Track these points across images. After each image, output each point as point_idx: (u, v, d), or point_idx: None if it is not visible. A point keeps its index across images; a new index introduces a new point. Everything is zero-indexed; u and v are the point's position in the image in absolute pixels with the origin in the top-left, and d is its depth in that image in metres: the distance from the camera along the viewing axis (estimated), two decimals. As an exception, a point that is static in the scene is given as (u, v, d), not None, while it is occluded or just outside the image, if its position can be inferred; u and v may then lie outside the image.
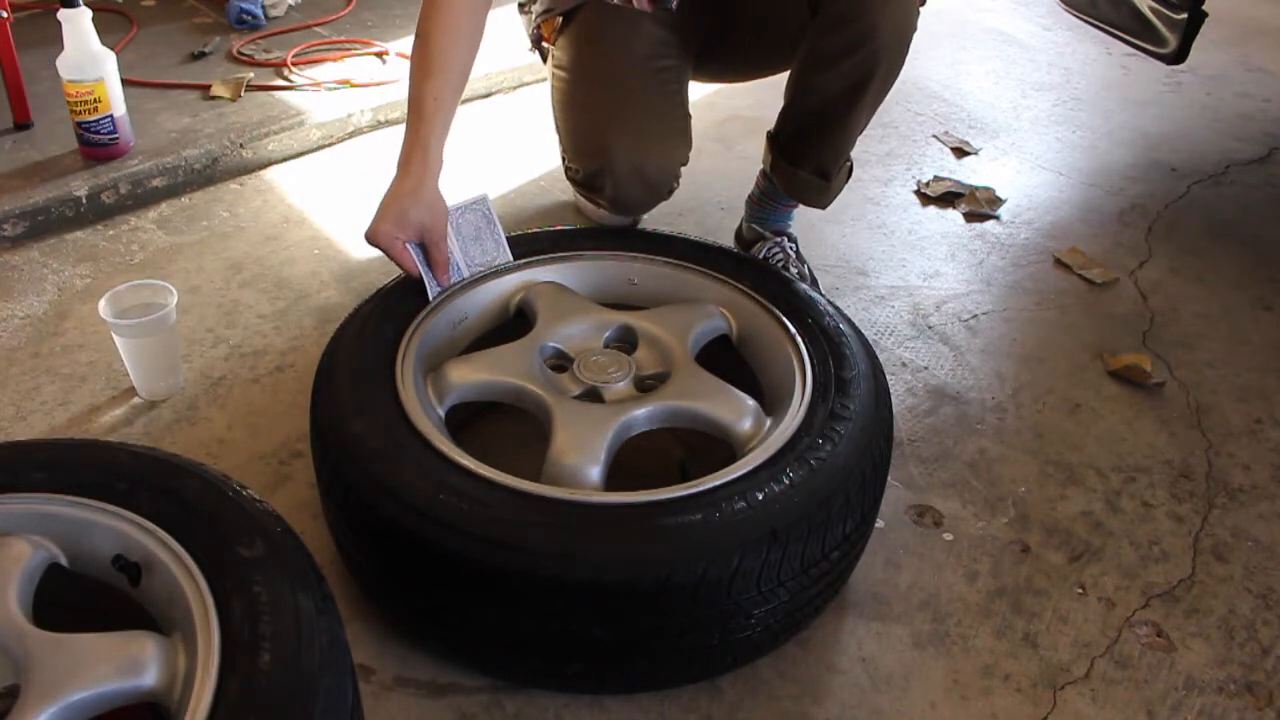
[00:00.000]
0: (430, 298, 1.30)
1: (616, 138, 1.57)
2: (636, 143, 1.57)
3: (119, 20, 2.57)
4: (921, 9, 1.46)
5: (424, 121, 1.27)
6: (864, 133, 1.60)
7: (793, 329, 1.29)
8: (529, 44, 1.78)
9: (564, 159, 1.76)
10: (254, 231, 1.91)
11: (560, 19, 1.66)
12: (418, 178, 1.26)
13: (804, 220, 2.04)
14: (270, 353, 1.60)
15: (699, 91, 1.89)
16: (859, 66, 1.44)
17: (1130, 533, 1.37)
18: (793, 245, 1.72)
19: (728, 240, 1.84)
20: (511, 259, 1.38)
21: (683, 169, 1.66)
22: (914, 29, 1.45)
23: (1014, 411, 1.57)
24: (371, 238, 1.27)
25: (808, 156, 1.61)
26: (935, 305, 1.81)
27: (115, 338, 1.43)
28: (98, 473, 0.94)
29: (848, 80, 1.46)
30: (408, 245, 1.28)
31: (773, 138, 1.66)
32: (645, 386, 1.26)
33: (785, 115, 1.61)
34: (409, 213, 1.25)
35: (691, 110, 1.70)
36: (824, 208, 1.70)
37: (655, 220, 1.98)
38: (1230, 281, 1.94)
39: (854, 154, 2.30)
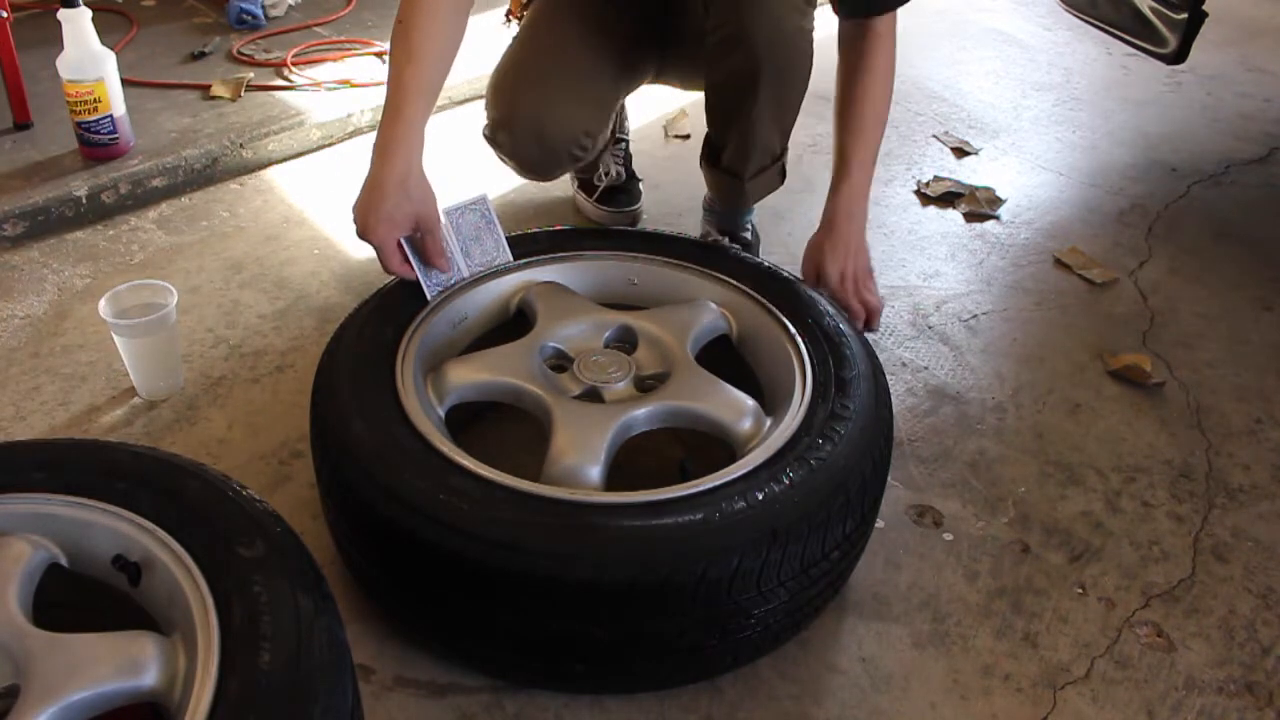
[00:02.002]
0: (428, 298, 1.30)
1: (524, 89, 1.54)
2: (541, 96, 1.53)
3: (119, 20, 2.57)
4: (811, 12, 1.46)
5: (407, 104, 1.22)
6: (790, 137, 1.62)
7: (793, 329, 1.29)
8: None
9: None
10: (254, 231, 1.91)
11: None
12: (403, 167, 1.21)
13: (805, 220, 2.04)
14: (270, 353, 1.60)
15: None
16: (739, 69, 1.47)
17: (1130, 533, 1.37)
18: (733, 247, 1.71)
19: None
20: (511, 259, 1.38)
21: (590, 143, 1.60)
22: (798, 29, 1.45)
23: (1014, 411, 1.57)
24: (364, 235, 1.24)
25: (720, 156, 1.64)
26: (935, 305, 1.81)
27: (115, 338, 1.43)
28: (98, 473, 0.94)
29: (734, 82, 1.49)
30: (401, 243, 1.27)
31: (705, 139, 1.68)
32: (645, 386, 1.26)
33: (706, 117, 1.64)
34: (400, 207, 1.22)
35: (688, 112, 1.69)
36: (743, 206, 1.74)
37: (655, 220, 1.98)
38: (1230, 281, 1.94)
39: (854, 154, 2.31)
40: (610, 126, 1.67)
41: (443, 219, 1.31)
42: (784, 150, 1.66)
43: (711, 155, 1.67)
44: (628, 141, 1.98)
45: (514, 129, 1.55)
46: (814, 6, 1.47)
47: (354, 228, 1.25)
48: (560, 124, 1.53)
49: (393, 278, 1.34)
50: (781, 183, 1.69)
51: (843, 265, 1.46)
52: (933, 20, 3.13)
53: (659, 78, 1.76)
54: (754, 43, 1.42)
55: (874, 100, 1.48)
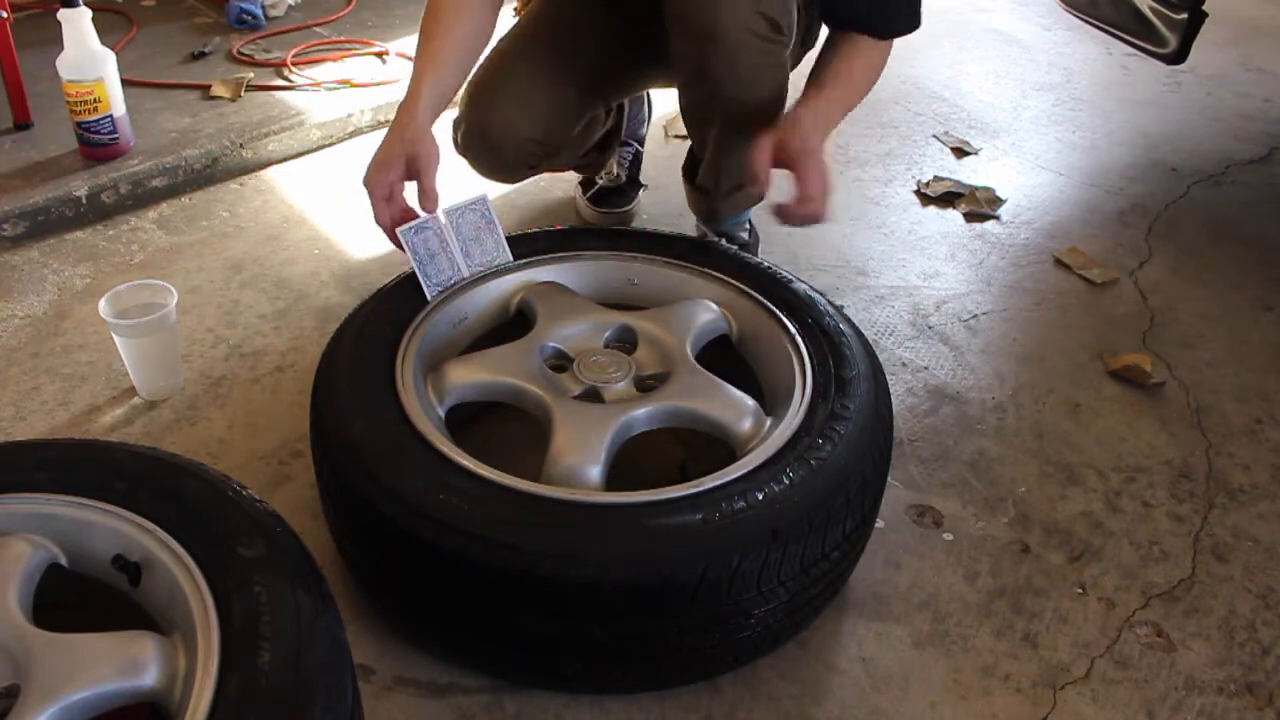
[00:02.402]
0: (428, 297, 1.30)
1: (481, 93, 1.55)
2: (493, 102, 1.54)
3: (119, 20, 2.57)
4: (782, 40, 1.39)
5: (416, 76, 1.32)
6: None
7: (793, 329, 1.29)
8: None
9: None
10: (254, 231, 1.91)
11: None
12: (403, 121, 1.29)
13: (804, 220, 2.04)
14: (270, 353, 1.60)
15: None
16: (704, 103, 1.45)
17: (1130, 533, 1.37)
18: (732, 247, 1.71)
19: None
20: (511, 259, 1.38)
21: (544, 149, 1.59)
22: (762, 67, 1.39)
23: (1014, 411, 1.57)
24: (364, 181, 1.29)
25: (695, 172, 1.63)
26: (935, 305, 1.81)
27: (115, 338, 1.43)
28: (98, 473, 0.94)
29: (701, 114, 1.49)
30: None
31: (689, 149, 1.67)
32: (645, 386, 1.26)
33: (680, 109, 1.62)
34: (392, 148, 1.28)
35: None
36: (715, 223, 1.72)
37: (655, 220, 1.98)
38: (1230, 281, 1.94)
39: (854, 153, 2.31)
40: (575, 131, 1.63)
41: (443, 219, 1.32)
42: None
43: (690, 169, 1.66)
44: (637, 147, 1.98)
45: (465, 131, 1.57)
46: (785, 35, 1.39)
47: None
48: (507, 131, 1.52)
49: (393, 278, 1.34)
50: (760, 199, 1.63)
51: (803, 136, 1.34)
52: (933, 20, 3.11)
53: (658, 83, 1.75)
54: (705, 27, 1.35)
55: (856, 70, 1.43)
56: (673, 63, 1.46)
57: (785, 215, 1.35)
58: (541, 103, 1.55)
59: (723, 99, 1.42)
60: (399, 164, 1.28)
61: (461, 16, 1.36)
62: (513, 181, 1.71)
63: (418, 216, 1.30)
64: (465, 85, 1.56)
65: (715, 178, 1.58)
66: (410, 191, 1.31)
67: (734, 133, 1.47)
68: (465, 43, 1.38)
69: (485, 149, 1.55)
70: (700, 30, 1.35)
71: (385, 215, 1.30)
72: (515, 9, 1.77)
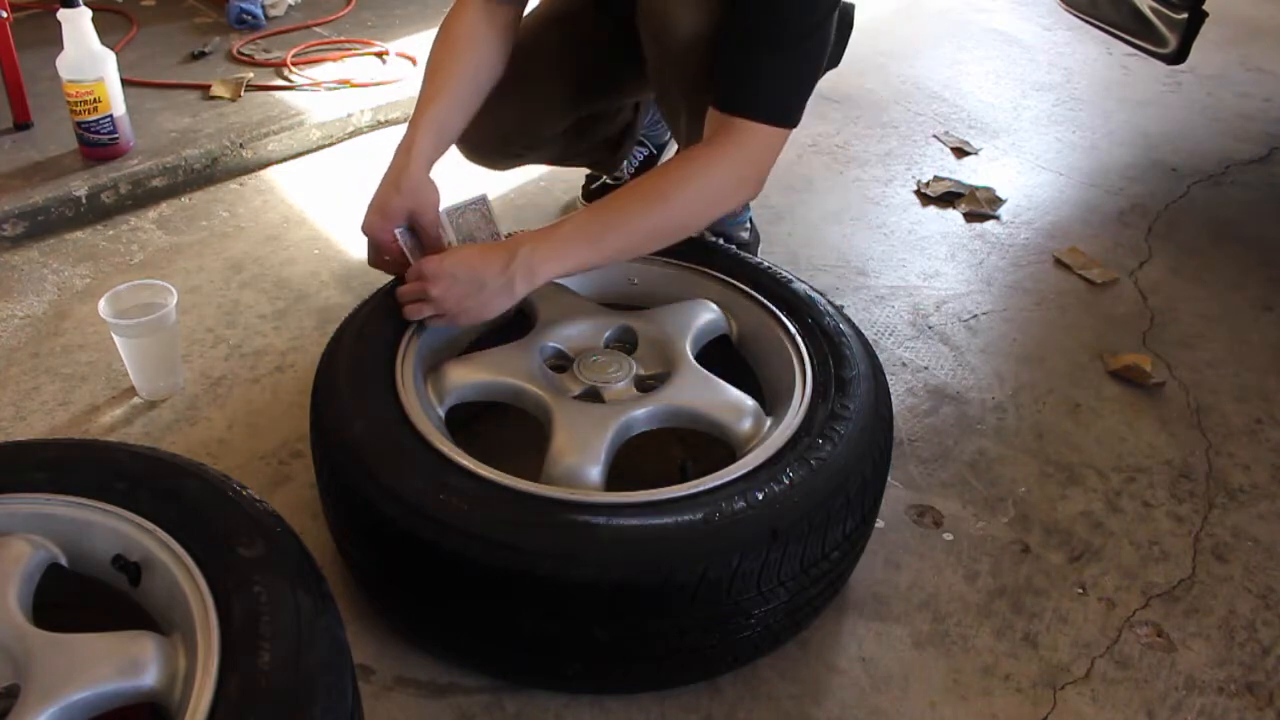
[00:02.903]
0: None
1: None
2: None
3: (119, 20, 2.57)
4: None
5: (418, 110, 1.31)
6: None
7: (793, 329, 1.29)
8: None
9: None
10: (254, 231, 1.91)
11: None
12: (400, 166, 1.28)
13: (805, 220, 2.04)
14: (270, 353, 1.60)
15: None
16: (660, 91, 1.45)
17: (1130, 533, 1.37)
18: (731, 247, 1.71)
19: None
20: None
21: (527, 142, 1.59)
22: (702, 27, 1.27)
23: (1014, 411, 1.57)
24: (363, 229, 1.29)
25: None
26: (935, 305, 1.81)
27: (115, 338, 1.43)
28: (98, 473, 0.94)
29: (661, 100, 1.48)
30: (404, 245, 1.29)
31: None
32: (645, 386, 1.26)
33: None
34: (392, 200, 1.27)
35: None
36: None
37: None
38: (1230, 281, 1.94)
39: (854, 153, 2.32)
40: (560, 127, 1.62)
41: (442, 218, 1.32)
42: None
43: None
44: (651, 150, 1.98)
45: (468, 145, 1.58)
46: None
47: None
48: (485, 132, 1.49)
49: (393, 278, 1.34)
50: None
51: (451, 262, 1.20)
52: (933, 20, 3.13)
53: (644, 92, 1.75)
54: (662, 37, 1.33)
55: (659, 184, 1.22)
56: (641, 40, 1.43)
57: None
58: (522, 97, 1.53)
59: (672, 91, 1.40)
60: (399, 217, 1.28)
61: (475, 50, 1.34)
62: (497, 169, 1.71)
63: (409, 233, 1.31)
64: None
65: None
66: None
67: (695, 125, 1.39)
68: (474, 80, 1.35)
69: (465, 142, 1.55)
70: None
71: (377, 257, 1.31)
72: None
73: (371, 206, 1.28)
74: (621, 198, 1.22)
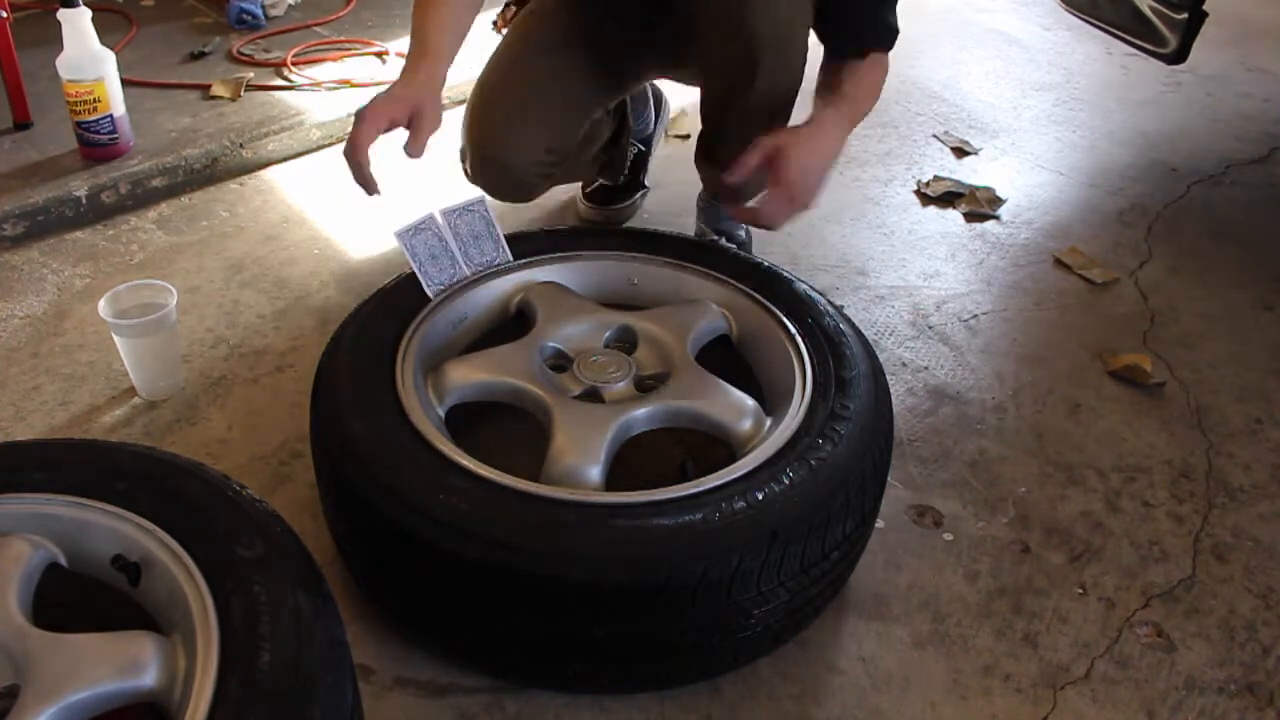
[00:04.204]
0: (430, 296, 1.30)
1: (482, 120, 1.55)
2: (496, 129, 1.54)
3: (119, 20, 2.57)
4: (810, 10, 1.44)
5: (426, 33, 1.32)
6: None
7: (793, 329, 1.29)
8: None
9: None
10: (254, 231, 1.91)
11: (515, 7, 1.68)
12: (419, 67, 1.29)
13: (805, 220, 2.04)
14: (270, 353, 1.60)
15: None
16: (738, 59, 1.44)
17: (1130, 533, 1.37)
18: (731, 247, 1.71)
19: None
20: (511, 259, 1.38)
21: (554, 158, 1.59)
22: (798, 23, 1.44)
23: (1014, 411, 1.57)
24: (362, 109, 1.27)
25: (716, 150, 1.60)
26: (935, 305, 1.81)
27: (115, 338, 1.43)
28: (98, 473, 0.94)
29: (733, 72, 1.47)
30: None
31: (700, 135, 1.66)
32: (645, 386, 1.26)
33: (701, 111, 1.62)
34: (404, 91, 1.28)
35: (688, 111, 1.68)
36: (742, 201, 1.68)
37: (655, 220, 1.98)
38: (1230, 281, 1.94)
39: (854, 153, 2.31)
40: (579, 136, 1.62)
41: (440, 220, 1.32)
42: None
43: (707, 151, 1.64)
44: (640, 148, 1.98)
45: (475, 160, 1.57)
46: (813, 7, 1.44)
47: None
48: (516, 152, 1.52)
49: (393, 278, 1.34)
50: (812, 203, 1.62)
51: (802, 153, 1.33)
52: (933, 20, 3.13)
53: (663, 74, 1.75)
54: (755, 32, 1.40)
55: (868, 89, 1.48)
56: (708, 25, 1.45)
57: (734, 209, 1.39)
58: (543, 117, 1.54)
59: (759, 54, 1.42)
60: (404, 109, 1.27)
61: None
62: (530, 199, 1.70)
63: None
64: (465, 114, 1.58)
65: (741, 151, 1.57)
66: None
67: (764, 97, 1.48)
68: (467, 9, 1.38)
69: (498, 174, 1.54)
70: None
71: (365, 142, 1.27)
72: (496, 25, 1.75)
73: (381, 95, 1.28)
74: (848, 93, 1.45)
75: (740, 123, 1.53)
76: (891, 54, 1.50)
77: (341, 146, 1.29)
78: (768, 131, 1.44)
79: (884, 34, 1.48)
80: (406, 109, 1.27)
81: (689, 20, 1.50)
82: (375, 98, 1.28)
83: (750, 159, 1.33)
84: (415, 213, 1.32)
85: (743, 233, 1.79)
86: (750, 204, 1.37)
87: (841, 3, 1.46)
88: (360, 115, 1.27)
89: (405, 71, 1.31)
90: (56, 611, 0.86)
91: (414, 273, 1.30)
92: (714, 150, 1.63)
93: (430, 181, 2.06)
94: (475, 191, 1.37)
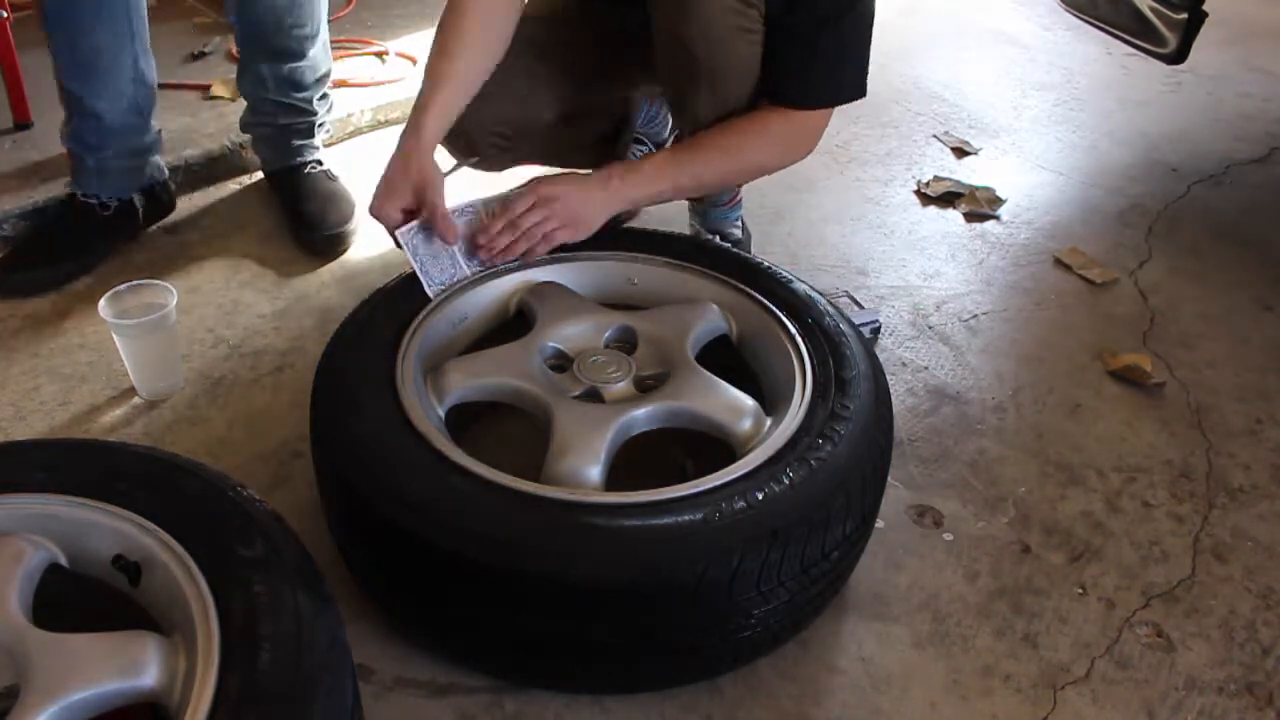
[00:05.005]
0: (430, 296, 1.30)
1: None
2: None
3: (119, 20, 2.57)
4: (752, 12, 1.38)
5: (424, 97, 1.32)
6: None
7: (793, 329, 1.29)
8: None
9: None
10: (254, 231, 1.91)
11: None
12: (408, 150, 1.30)
13: (805, 220, 2.04)
14: (270, 353, 1.60)
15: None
16: (679, 71, 1.43)
17: (1130, 533, 1.37)
18: (727, 246, 1.71)
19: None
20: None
21: (506, 133, 1.57)
22: (733, 29, 1.37)
23: (1014, 411, 1.57)
24: (372, 212, 1.31)
25: None
26: (935, 305, 1.81)
27: (115, 338, 1.43)
28: (98, 473, 0.94)
29: (677, 83, 1.46)
30: (405, 245, 1.29)
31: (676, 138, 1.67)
32: (645, 386, 1.26)
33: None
34: (397, 182, 1.29)
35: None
36: (705, 203, 1.74)
37: (655, 220, 1.98)
38: (1230, 281, 1.94)
39: (854, 153, 2.32)
40: (545, 120, 1.60)
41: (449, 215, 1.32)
42: None
43: None
44: (650, 148, 1.98)
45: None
46: (754, 8, 1.37)
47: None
48: (473, 123, 1.48)
49: (393, 277, 1.34)
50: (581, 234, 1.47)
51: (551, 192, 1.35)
52: (933, 20, 3.13)
53: (648, 82, 1.75)
54: (687, 43, 1.38)
55: (736, 142, 1.42)
56: (655, 36, 1.44)
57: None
58: (504, 92, 1.51)
59: (695, 65, 1.40)
60: (407, 195, 1.30)
61: (484, 30, 1.36)
62: (491, 170, 1.69)
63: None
64: None
65: None
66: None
67: (711, 106, 1.45)
68: (481, 62, 1.38)
69: (454, 135, 1.51)
70: None
71: (390, 226, 1.31)
72: None
73: (379, 193, 1.30)
74: (700, 145, 1.42)
75: (694, 129, 1.50)
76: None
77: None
78: None
79: (795, 90, 1.40)
80: (409, 197, 1.30)
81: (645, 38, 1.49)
82: (378, 194, 1.30)
83: (516, 205, 1.35)
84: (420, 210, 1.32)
85: (738, 232, 1.79)
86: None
87: (767, 41, 1.39)
88: (379, 220, 1.31)
89: (401, 142, 1.31)
90: (57, 611, 0.86)
91: (415, 273, 1.30)
92: None
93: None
94: (481, 192, 1.37)
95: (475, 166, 1.62)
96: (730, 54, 1.39)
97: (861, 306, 1.75)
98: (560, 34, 1.56)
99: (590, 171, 1.41)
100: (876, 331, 1.71)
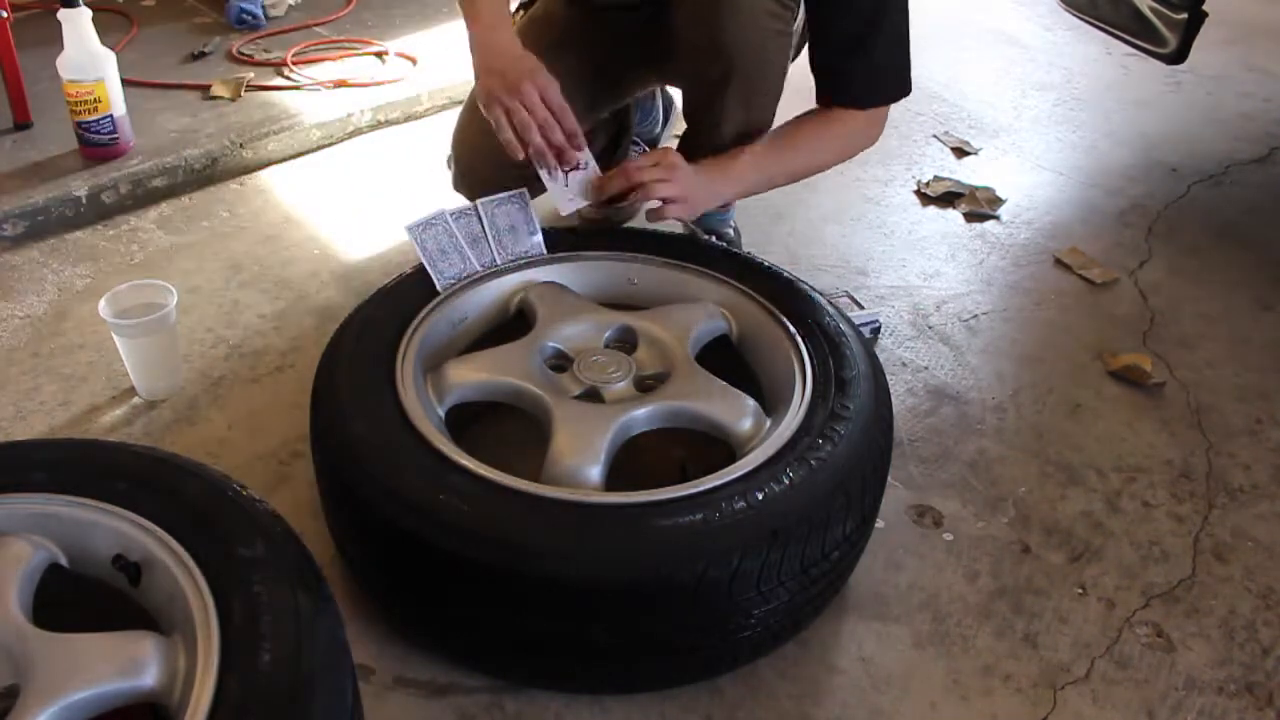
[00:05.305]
0: (438, 289, 1.31)
1: (469, 126, 1.57)
2: (479, 142, 1.53)
3: (119, 20, 2.57)
4: (788, 15, 1.45)
5: (489, 8, 1.34)
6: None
7: (793, 329, 1.29)
8: None
9: None
10: (254, 231, 1.91)
11: (522, 11, 1.70)
12: (506, 40, 1.33)
13: (805, 220, 2.04)
14: (270, 353, 1.60)
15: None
16: (708, 71, 1.46)
17: (1130, 533, 1.37)
18: (723, 245, 1.71)
19: (728, 240, 1.83)
20: (545, 252, 1.40)
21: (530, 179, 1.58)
22: (769, 32, 1.44)
23: (1014, 411, 1.57)
24: (489, 103, 1.31)
25: (692, 156, 1.58)
26: (935, 305, 1.81)
27: (115, 338, 1.43)
28: (98, 473, 0.94)
29: (704, 84, 1.49)
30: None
31: (682, 135, 1.67)
32: (645, 386, 1.26)
33: (683, 115, 1.64)
34: (516, 67, 1.30)
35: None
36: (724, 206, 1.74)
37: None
38: (1230, 281, 1.93)
39: (854, 154, 2.31)
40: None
41: (479, 208, 1.35)
42: None
43: (686, 154, 1.65)
44: (645, 148, 1.98)
45: (458, 170, 1.60)
46: (790, 11, 1.44)
47: (481, 104, 1.33)
48: (498, 167, 1.47)
49: (393, 278, 1.34)
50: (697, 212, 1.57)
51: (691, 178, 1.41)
52: (933, 20, 3.13)
53: (661, 81, 1.75)
54: (722, 45, 1.41)
55: (810, 140, 1.48)
56: (680, 35, 1.46)
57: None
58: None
59: (728, 67, 1.43)
60: (529, 81, 1.30)
61: None
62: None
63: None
64: (457, 121, 1.60)
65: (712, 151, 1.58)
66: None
67: (737, 108, 1.48)
68: None
69: (480, 186, 1.51)
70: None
71: (511, 127, 1.32)
72: None
73: (501, 80, 1.29)
74: (781, 144, 1.49)
75: (711, 132, 1.53)
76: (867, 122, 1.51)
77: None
78: (739, 143, 1.48)
79: (867, 87, 1.46)
80: (531, 82, 1.30)
81: (669, 38, 1.50)
82: (494, 85, 1.30)
83: (614, 184, 1.39)
84: (420, 210, 1.33)
85: (731, 231, 1.79)
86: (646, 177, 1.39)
87: (818, 49, 1.46)
88: (501, 109, 1.30)
89: (488, 39, 1.33)
90: (57, 611, 0.86)
91: (423, 266, 1.31)
92: (691, 155, 1.62)
93: (428, 181, 2.06)
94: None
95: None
96: (766, 57, 1.44)
97: (861, 307, 1.75)
98: (562, 55, 1.55)
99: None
100: (876, 331, 1.71)
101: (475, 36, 1.35)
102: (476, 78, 1.34)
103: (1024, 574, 1.30)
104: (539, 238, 1.40)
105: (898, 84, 1.47)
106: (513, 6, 1.72)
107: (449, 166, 1.62)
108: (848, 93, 1.46)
